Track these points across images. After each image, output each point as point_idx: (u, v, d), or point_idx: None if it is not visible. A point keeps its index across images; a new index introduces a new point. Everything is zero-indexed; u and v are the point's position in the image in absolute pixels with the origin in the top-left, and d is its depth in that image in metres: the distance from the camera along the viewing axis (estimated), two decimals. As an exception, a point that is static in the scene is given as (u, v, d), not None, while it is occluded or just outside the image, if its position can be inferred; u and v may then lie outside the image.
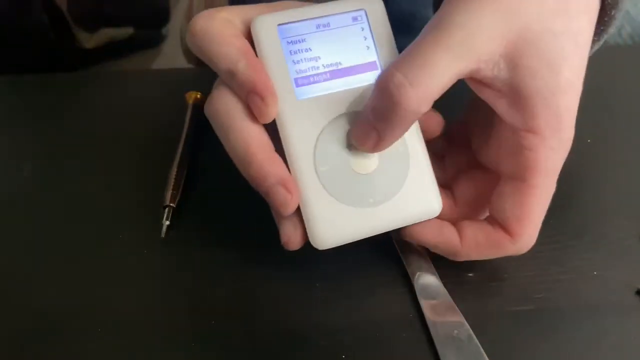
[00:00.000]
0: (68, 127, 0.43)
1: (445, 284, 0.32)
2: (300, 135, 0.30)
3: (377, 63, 0.31)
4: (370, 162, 0.31)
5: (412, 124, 0.28)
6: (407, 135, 0.30)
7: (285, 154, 0.30)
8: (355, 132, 0.30)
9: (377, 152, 0.30)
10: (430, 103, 0.27)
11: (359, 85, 0.31)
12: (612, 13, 0.29)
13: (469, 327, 0.30)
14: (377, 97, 0.28)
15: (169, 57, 0.62)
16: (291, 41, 0.31)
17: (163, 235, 0.35)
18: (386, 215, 0.31)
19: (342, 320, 0.31)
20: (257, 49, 0.31)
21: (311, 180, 0.30)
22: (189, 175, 0.38)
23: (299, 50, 0.31)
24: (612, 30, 0.30)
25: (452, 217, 0.32)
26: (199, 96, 0.43)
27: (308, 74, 0.31)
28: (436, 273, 0.33)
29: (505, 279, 0.33)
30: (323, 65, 0.31)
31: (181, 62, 0.61)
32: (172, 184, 0.37)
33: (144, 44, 0.60)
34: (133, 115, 0.43)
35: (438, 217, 0.32)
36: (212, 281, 0.33)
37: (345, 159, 0.31)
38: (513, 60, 0.27)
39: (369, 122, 0.28)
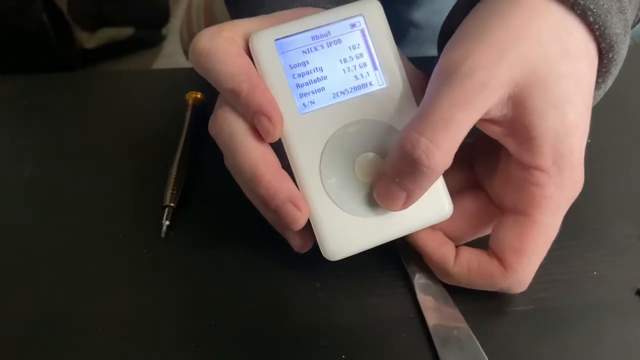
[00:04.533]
0: (68, 127, 0.43)
1: (445, 284, 0.32)
2: (305, 150, 0.30)
3: (379, 69, 0.31)
4: (376, 170, 0.31)
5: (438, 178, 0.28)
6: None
7: (292, 169, 0.30)
8: (380, 194, 0.29)
9: (405, 209, 0.29)
10: (453, 157, 0.27)
11: (360, 93, 0.31)
12: (610, 56, 0.29)
13: (468, 327, 0.30)
14: (402, 162, 0.27)
15: (169, 57, 0.62)
16: (290, 55, 0.31)
17: (163, 235, 0.35)
18: (397, 223, 0.31)
19: (342, 320, 0.31)
20: (256, 66, 0.30)
21: (319, 193, 0.30)
22: (189, 175, 0.38)
23: (298, 64, 0.31)
24: (615, 71, 0.30)
25: (445, 232, 0.32)
26: (199, 96, 0.42)
27: (309, 87, 0.31)
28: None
29: (505, 279, 0.33)
30: (323, 76, 0.31)
31: (181, 62, 0.61)
32: (172, 184, 0.37)
33: (144, 44, 0.61)
34: (133, 115, 0.43)
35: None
36: (212, 281, 0.33)
37: (351, 169, 0.31)
38: (521, 101, 0.27)
39: (395, 183, 0.28)
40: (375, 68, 0.31)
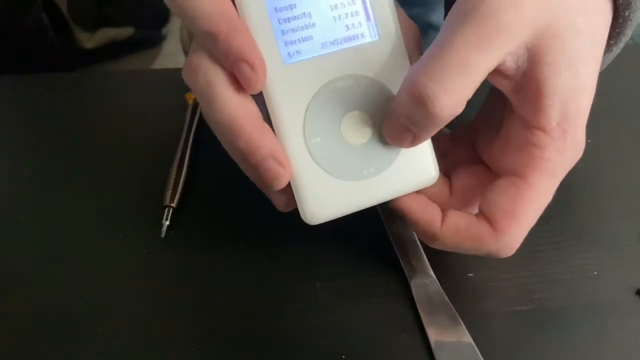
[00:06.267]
0: (68, 127, 0.43)
1: (444, 284, 0.32)
2: (289, 105, 0.28)
3: (372, 19, 0.29)
4: (364, 132, 0.29)
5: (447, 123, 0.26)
6: (395, 90, 0.28)
7: (273, 125, 0.28)
8: (389, 132, 0.28)
9: (413, 146, 0.28)
10: (465, 103, 0.26)
11: (351, 45, 0.29)
12: (626, 14, 0.28)
13: (464, 328, 0.30)
14: (409, 106, 0.26)
15: (169, 57, 0.62)
16: None
17: (163, 235, 0.35)
18: (381, 187, 0.29)
19: (341, 320, 0.31)
20: (237, 7, 0.27)
21: (301, 153, 0.28)
22: (189, 175, 0.38)
23: (284, 7, 0.28)
24: (629, 32, 0.29)
25: (444, 207, 0.31)
26: (199, 96, 0.43)
27: (296, 34, 0.28)
28: (433, 274, 0.33)
29: (505, 279, 0.33)
30: (311, 23, 0.28)
31: (181, 62, 0.61)
32: (172, 184, 0.37)
33: (144, 44, 0.60)
34: (133, 115, 0.43)
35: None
36: (212, 281, 0.33)
37: (337, 129, 0.29)
38: (537, 54, 0.26)
39: (403, 126, 0.27)
40: (368, 18, 0.29)
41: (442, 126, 0.26)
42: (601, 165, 0.39)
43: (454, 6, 0.26)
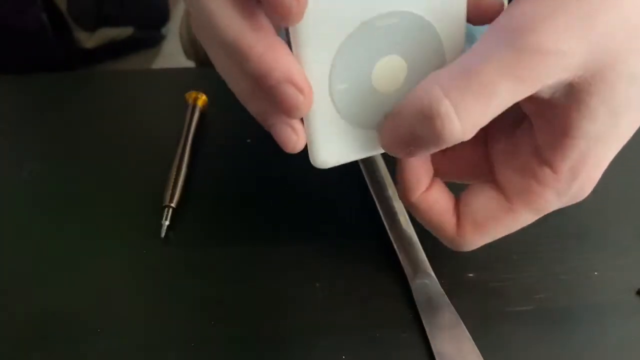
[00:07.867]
0: (68, 127, 0.43)
1: (445, 284, 0.32)
2: (317, 45, 0.24)
3: None
4: (396, 79, 0.25)
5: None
6: (444, 38, 0.24)
7: None
8: (385, 138, 0.25)
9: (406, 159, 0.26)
10: (475, 132, 0.22)
11: None
12: None
13: (465, 327, 0.30)
14: (413, 116, 0.22)
15: (169, 57, 0.62)
16: None
17: (163, 235, 0.35)
18: None
19: (342, 320, 0.31)
20: None
21: (322, 98, 0.25)
22: (189, 175, 0.38)
23: None
24: None
25: (435, 166, 0.29)
26: (199, 96, 0.43)
27: None
28: (433, 274, 0.33)
29: (505, 279, 0.33)
30: None
31: (181, 62, 0.61)
32: (172, 184, 0.37)
33: (144, 44, 0.60)
34: (133, 115, 0.43)
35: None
36: (212, 281, 0.33)
37: (367, 75, 0.25)
38: (579, 93, 0.22)
39: (402, 137, 0.24)
40: None
41: (442, 148, 0.23)
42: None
43: (498, 18, 0.23)
